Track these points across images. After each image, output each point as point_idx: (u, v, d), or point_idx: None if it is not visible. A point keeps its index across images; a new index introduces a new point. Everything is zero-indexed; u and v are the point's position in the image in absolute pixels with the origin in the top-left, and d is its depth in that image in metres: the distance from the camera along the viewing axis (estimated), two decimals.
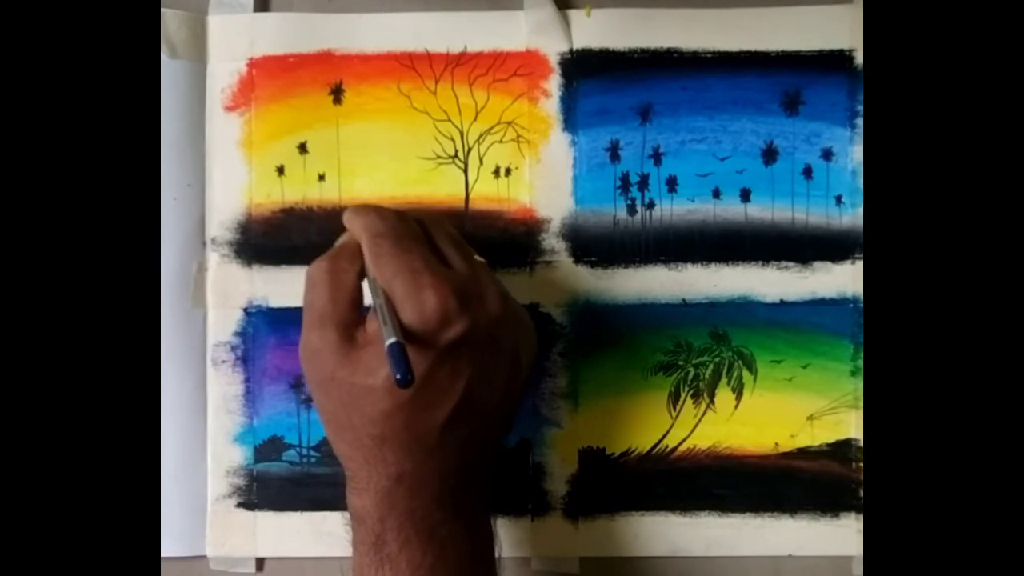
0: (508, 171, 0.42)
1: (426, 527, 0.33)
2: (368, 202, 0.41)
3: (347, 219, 0.36)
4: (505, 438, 0.38)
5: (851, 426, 0.41)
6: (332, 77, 0.42)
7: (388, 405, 0.32)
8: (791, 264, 0.41)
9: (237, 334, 0.42)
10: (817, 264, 0.41)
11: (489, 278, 0.35)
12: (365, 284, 0.35)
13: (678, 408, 0.42)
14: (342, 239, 0.37)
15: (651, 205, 0.42)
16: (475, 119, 0.42)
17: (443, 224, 0.37)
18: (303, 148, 0.42)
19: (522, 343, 0.36)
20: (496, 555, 0.36)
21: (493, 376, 0.34)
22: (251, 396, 0.42)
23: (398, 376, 0.30)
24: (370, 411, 0.33)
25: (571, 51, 0.42)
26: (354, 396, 0.33)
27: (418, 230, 0.35)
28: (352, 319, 0.34)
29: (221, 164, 0.42)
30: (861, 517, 0.41)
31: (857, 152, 0.41)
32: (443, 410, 0.33)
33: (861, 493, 0.41)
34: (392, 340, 0.31)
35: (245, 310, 0.42)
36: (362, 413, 0.33)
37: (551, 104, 0.42)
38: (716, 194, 0.41)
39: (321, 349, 0.33)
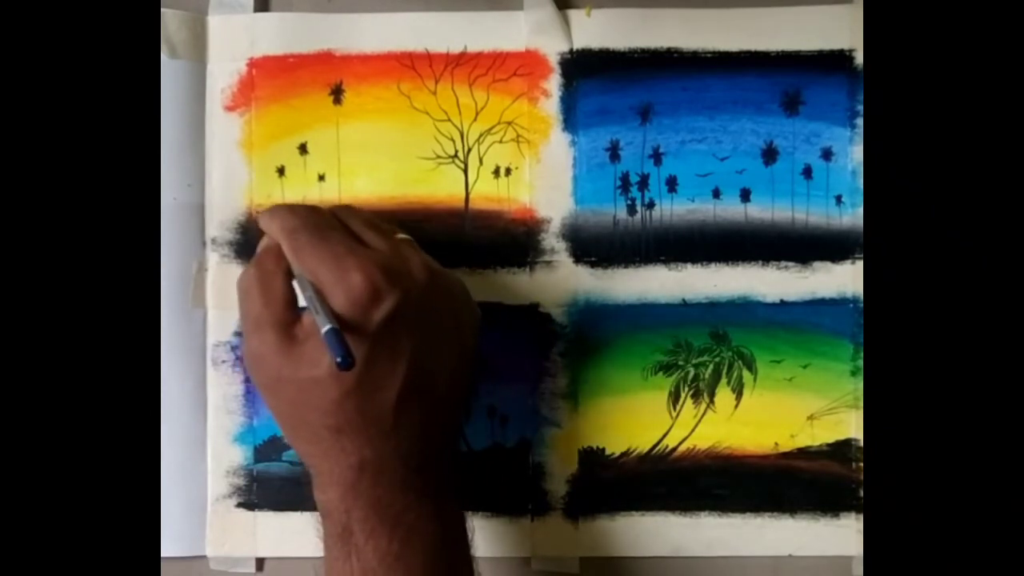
0: (508, 171, 0.42)
1: (391, 514, 0.33)
2: (356, 201, 0.41)
3: (262, 223, 0.36)
4: (464, 421, 0.38)
5: (851, 426, 0.41)
6: (332, 77, 0.42)
7: (337, 393, 0.32)
8: (791, 264, 0.41)
9: (237, 334, 0.42)
10: (817, 264, 0.41)
11: (412, 251, 0.35)
12: (296, 283, 0.35)
13: (678, 408, 0.42)
14: (263, 243, 0.36)
15: (651, 205, 0.42)
16: (475, 119, 0.42)
17: (355, 210, 0.38)
18: (303, 148, 0.42)
19: (461, 309, 0.36)
20: (469, 538, 0.36)
21: (436, 346, 0.34)
22: (251, 396, 0.42)
23: (339, 360, 0.30)
24: (321, 403, 0.33)
25: (571, 51, 0.42)
26: (303, 391, 0.33)
27: (332, 219, 0.36)
28: (288, 318, 0.34)
29: (221, 164, 0.42)
30: (861, 517, 0.41)
31: (857, 152, 0.41)
32: (392, 390, 0.33)
33: (861, 493, 0.41)
34: (327, 327, 0.31)
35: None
36: (314, 406, 0.33)
37: (551, 104, 0.42)
38: (716, 194, 0.41)
39: (263, 352, 0.33)
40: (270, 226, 0.36)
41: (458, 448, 0.37)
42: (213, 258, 0.42)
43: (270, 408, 0.35)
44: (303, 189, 0.42)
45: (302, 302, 0.34)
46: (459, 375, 0.36)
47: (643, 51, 0.41)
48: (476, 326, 0.37)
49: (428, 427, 0.34)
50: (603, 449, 0.42)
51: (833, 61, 0.41)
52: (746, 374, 0.42)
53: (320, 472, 0.34)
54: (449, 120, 0.42)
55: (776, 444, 0.41)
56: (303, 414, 0.33)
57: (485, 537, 0.41)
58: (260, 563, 0.42)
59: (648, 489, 0.41)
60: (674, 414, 0.42)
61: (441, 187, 0.42)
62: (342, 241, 0.34)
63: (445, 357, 0.35)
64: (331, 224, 0.35)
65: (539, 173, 0.42)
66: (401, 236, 0.37)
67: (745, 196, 0.41)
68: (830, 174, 0.41)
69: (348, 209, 0.38)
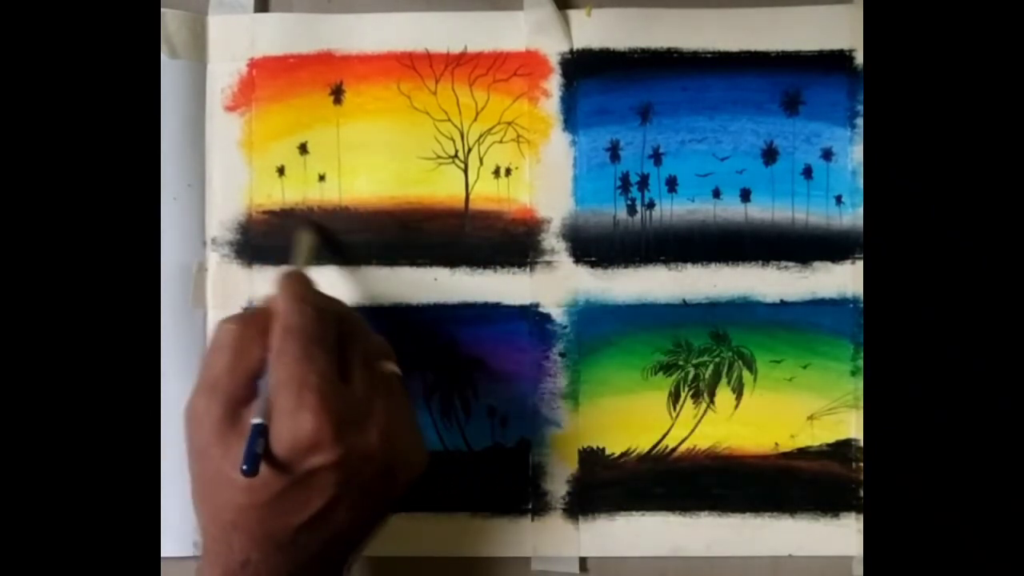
0: (508, 171, 0.42)
1: None
2: (356, 202, 0.41)
3: (275, 286, 0.35)
4: (360, 552, 0.36)
5: (851, 426, 0.41)
6: (332, 77, 0.42)
7: (244, 501, 0.31)
8: (791, 264, 0.41)
9: (247, 309, 0.42)
10: (817, 264, 0.41)
11: (385, 403, 0.34)
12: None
13: (678, 408, 0.42)
14: (263, 303, 0.35)
15: (651, 205, 0.42)
16: (475, 119, 0.42)
17: (361, 331, 0.36)
18: (303, 148, 0.42)
19: (400, 469, 0.34)
20: None
21: (357, 501, 0.33)
22: None
23: (244, 467, 0.30)
24: (227, 499, 0.32)
25: (571, 51, 0.42)
26: (217, 478, 0.32)
27: (330, 336, 0.34)
28: (242, 396, 0.33)
29: (221, 164, 0.42)
30: (861, 517, 0.41)
31: (857, 152, 0.41)
32: (298, 519, 0.32)
33: (861, 493, 0.41)
34: (256, 420, 0.31)
35: (245, 310, 0.42)
36: (220, 496, 0.32)
37: (551, 104, 0.42)
38: (716, 194, 0.41)
39: (203, 418, 0.33)
40: (276, 299, 0.34)
41: (348, 568, 0.36)
42: (213, 258, 0.42)
43: (188, 462, 0.34)
44: (303, 189, 0.42)
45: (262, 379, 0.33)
46: (372, 523, 0.35)
47: (643, 51, 0.41)
48: (413, 478, 0.35)
49: (324, 553, 0.33)
50: (603, 449, 0.42)
51: (833, 61, 0.41)
52: (746, 374, 0.42)
53: (208, 550, 0.33)
54: (449, 120, 0.42)
55: (776, 444, 0.41)
56: (211, 495, 0.32)
57: (485, 537, 0.41)
58: None
59: (648, 489, 0.41)
60: (674, 414, 0.42)
61: (441, 187, 0.42)
62: (320, 371, 0.32)
63: (361, 509, 0.33)
64: (323, 342, 0.33)
65: (539, 173, 0.42)
66: (392, 369, 0.35)
67: (745, 196, 0.41)
68: (830, 174, 0.41)
69: (358, 327, 0.36)
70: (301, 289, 0.35)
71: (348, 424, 0.32)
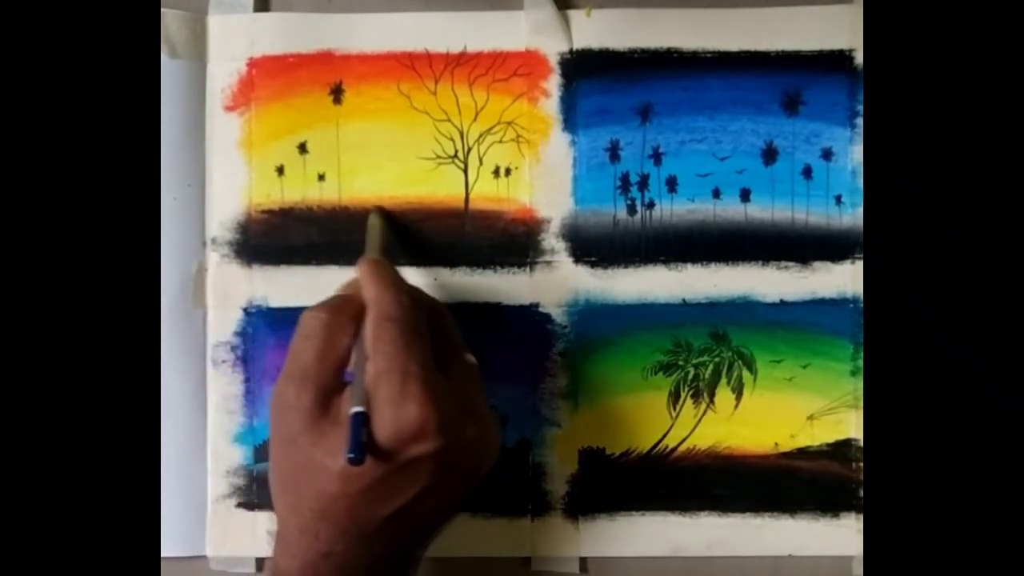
0: (508, 171, 0.42)
1: None
2: (355, 201, 0.41)
3: (362, 274, 0.35)
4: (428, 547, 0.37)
5: (851, 426, 0.41)
6: (332, 77, 0.42)
7: (337, 490, 0.31)
8: (791, 264, 0.41)
9: (237, 334, 0.42)
10: (817, 264, 0.41)
11: (475, 392, 0.34)
12: (354, 355, 0.34)
13: (678, 408, 0.42)
14: (346, 289, 0.36)
15: (651, 205, 0.42)
16: (475, 119, 0.42)
17: (447, 320, 0.36)
18: (303, 148, 0.42)
19: (485, 460, 0.35)
20: None
21: (446, 488, 0.33)
22: (251, 396, 0.42)
23: (351, 455, 0.30)
24: (318, 488, 0.32)
25: (571, 51, 0.42)
26: (308, 467, 0.32)
27: (424, 323, 0.34)
28: (333, 385, 0.33)
29: (221, 164, 0.42)
30: (861, 517, 0.41)
31: (857, 152, 0.41)
32: (389, 507, 0.32)
33: (861, 493, 0.41)
34: (356, 409, 0.31)
35: (245, 310, 0.42)
36: (310, 485, 0.32)
37: (551, 104, 0.42)
38: (716, 194, 0.41)
39: (294, 407, 0.32)
40: (367, 287, 0.34)
41: (424, 553, 0.36)
42: (213, 258, 0.42)
43: (271, 454, 0.34)
44: (303, 189, 0.42)
45: (350, 367, 0.33)
46: (449, 515, 0.35)
47: (643, 51, 0.41)
48: (491, 466, 0.36)
49: (406, 544, 0.34)
50: (603, 449, 0.42)
51: (833, 61, 0.41)
52: (746, 374, 0.42)
53: (288, 541, 0.33)
54: (449, 120, 0.42)
55: (776, 444, 0.41)
56: (297, 484, 0.32)
57: (485, 537, 0.41)
58: (260, 563, 0.42)
59: (648, 489, 0.41)
60: (674, 414, 0.42)
61: (441, 187, 0.42)
62: (420, 359, 0.32)
63: (449, 497, 0.34)
64: (421, 330, 0.33)
65: (539, 173, 0.42)
66: (470, 360, 0.36)
67: (745, 196, 0.41)
68: (830, 174, 0.41)
69: (445, 316, 0.36)
70: (390, 276, 0.35)
71: (448, 416, 0.32)
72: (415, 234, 0.41)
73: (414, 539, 0.34)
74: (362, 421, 0.31)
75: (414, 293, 0.35)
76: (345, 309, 0.34)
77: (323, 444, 0.32)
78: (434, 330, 0.34)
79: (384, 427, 0.31)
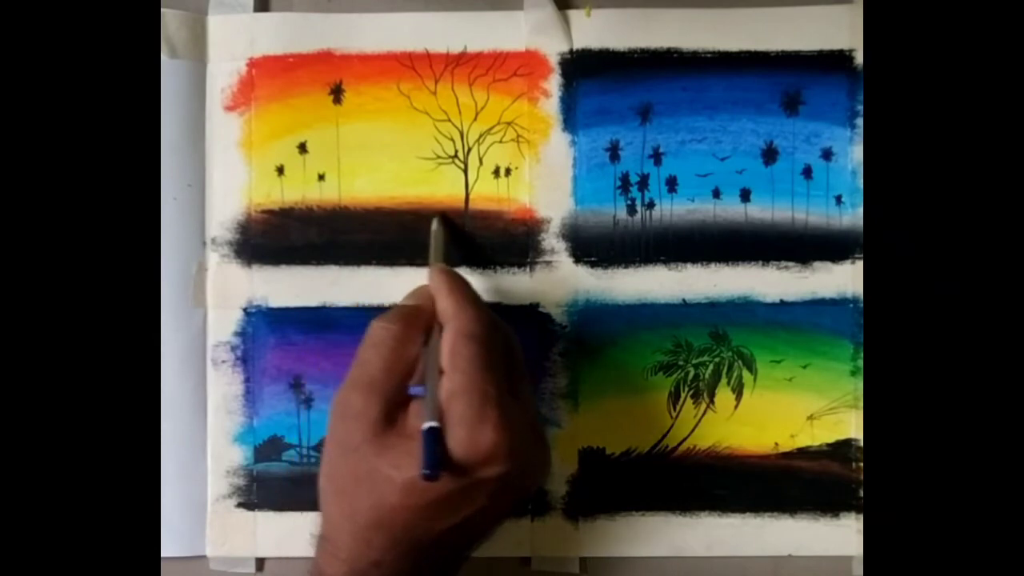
0: (508, 171, 0.42)
1: None
2: (355, 202, 0.41)
3: (435, 284, 0.35)
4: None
5: (851, 426, 0.41)
6: (332, 77, 0.42)
7: (398, 502, 0.31)
8: (791, 264, 0.41)
9: (237, 334, 0.42)
10: (817, 264, 0.41)
11: (539, 421, 0.35)
12: (425, 366, 0.33)
13: (678, 408, 0.42)
14: (416, 299, 0.35)
15: (651, 205, 0.42)
16: (475, 119, 0.42)
17: (516, 342, 0.36)
18: (303, 148, 0.42)
19: (541, 480, 0.36)
20: None
21: (501, 508, 0.34)
22: (251, 396, 0.42)
23: (426, 471, 0.30)
24: (378, 498, 0.32)
25: (571, 51, 0.41)
26: (370, 476, 0.32)
27: (501, 343, 0.34)
28: (400, 396, 0.33)
29: (221, 164, 0.42)
30: (861, 517, 0.41)
31: (857, 152, 0.41)
32: (445, 523, 0.32)
33: (861, 493, 0.41)
34: (430, 424, 0.30)
35: (245, 310, 0.42)
36: (370, 495, 0.32)
37: (551, 104, 0.42)
38: (716, 194, 0.41)
39: (360, 415, 0.32)
40: (441, 300, 0.34)
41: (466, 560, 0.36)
42: (213, 258, 0.42)
43: (328, 458, 0.34)
44: (303, 189, 0.42)
45: (414, 382, 0.33)
46: (491, 531, 0.35)
47: (643, 51, 0.41)
48: (539, 485, 0.37)
49: (453, 555, 0.34)
50: (603, 449, 0.42)
51: (833, 61, 0.41)
52: (746, 374, 0.42)
53: (337, 546, 0.33)
54: (449, 120, 0.42)
55: (776, 444, 0.41)
56: (356, 491, 0.32)
57: None
58: (260, 563, 0.42)
59: (648, 489, 0.41)
60: (674, 414, 0.42)
61: (441, 187, 0.42)
62: (497, 382, 0.32)
63: (501, 511, 0.34)
64: (499, 352, 0.33)
65: (539, 173, 0.42)
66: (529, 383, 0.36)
67: (745, 196, 0.41)
68: (830, 174, 0.41)
69: (511, 335, 0.36)
70: (469, 291, 0.35)
71: (519, 443, 0.32)
72: (415, 234, 0.41)
73: (462, 550, 0.34)
74: (438, 437, 0.30)
75: (488, 309, 0.35)
76: (415, 321, 0.34)
77: (388, 455, 0.31)
78: (506, 352, 0.34)
79: (458, 446, 0.31)
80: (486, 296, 0.41)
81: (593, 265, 0.41)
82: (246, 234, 0.42)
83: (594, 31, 0.41)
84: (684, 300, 0.41)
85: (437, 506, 0.31)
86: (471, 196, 0.42)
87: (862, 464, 0.41)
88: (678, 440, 0.41)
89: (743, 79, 0.41)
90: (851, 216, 0.41)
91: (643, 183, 0.42)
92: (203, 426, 0.42)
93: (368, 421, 0.32)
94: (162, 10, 0.41)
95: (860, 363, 0.41)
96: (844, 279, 0.41)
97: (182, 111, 0.41)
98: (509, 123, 0.42)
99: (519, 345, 0.36)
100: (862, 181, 0.41)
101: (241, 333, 0.42)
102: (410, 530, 0.32)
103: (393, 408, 0.32)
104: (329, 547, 0.33)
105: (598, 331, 0.41)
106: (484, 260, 0.41)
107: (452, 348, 0.32)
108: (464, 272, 0.41)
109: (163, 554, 0.41)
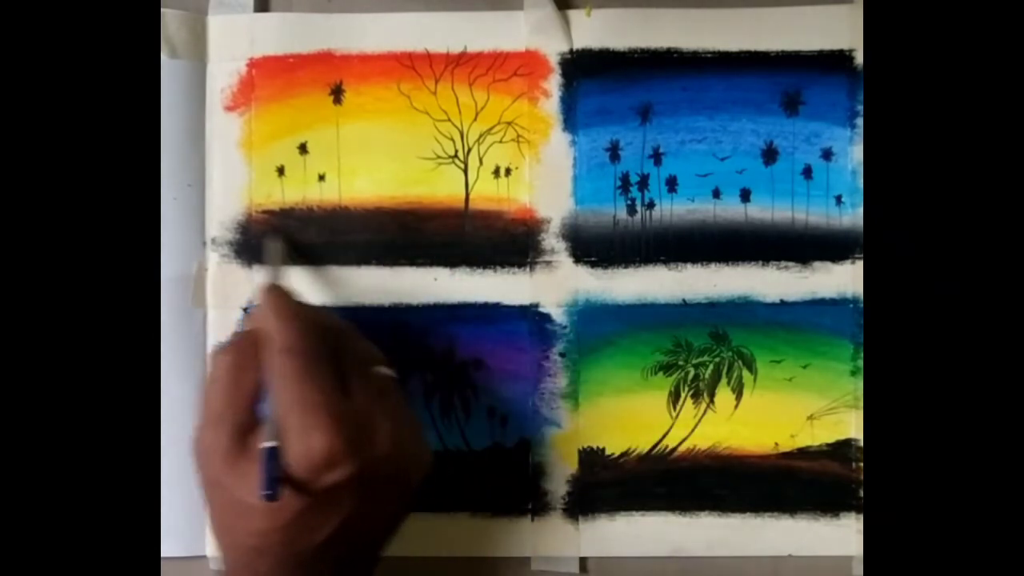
0: (508, 171, 0.42)
1: None
2: (355, 202, 0.41)
3: (264, 302, 0.35)
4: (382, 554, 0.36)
5: (851, 426, 0.41)
6: (332, 77, 0.42)
7: (265, 525, 0.32)
8: (791, 264, 0.41)
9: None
10: (817, 264, 0.41)
11: (386, 408, 0.34)
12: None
13: (678, 408, 0.42)
14: (251, 322, 0.36)
15: (651, 205, 0.42)
16: (475, 119, 0.42)
17: (353, 338, 0.36)
18: (303, 148, 0.42)
19: (411, 468, 0.35)
20: None
21: (374, 509, 0.33)
22: None
23: (264, 492, 0.30)
24: (247, 526, 0.32)
25: (571, 51, 0.42)
26: (236, 507, 0.32)
27: (326, 349, 0.34)
28: (247, 422, 0.33)
29: (221, 164, 0.42)
30: (861, 517, 0.41)
31: (857, 152, 0.41)
32: (321, 534, 0.32)
33: (861, 493, 0.41)
34: (266, 444, 0.31)
35: (245, 310, 0.42)
36: (240, 524, 0.32)
37: (551, 104, 0.42)
38: (716, 194, 0.41)
39: (211, 450, 0.33)
40: (268, 319, 0.34)
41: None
42: (213, 258, 0.42)
43: (203, 497, 0.34)
44: (303, 189, 0.42)
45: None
46: (391, 527, 0.35)
47: (643, 51, 0.41)
48: (422, 476, 0.35)
49: (349, 564, 0.34)
50: (603, 449, 0.42)
51: (833, 61, 0.41)
52: (746, 374, 0.42)
53: None
54: (449, 120, 0.42)
55: (776, 444, 0.41)
56: (231, 523, 0.33)
57: (485, 537, 0.41)
58: None
59: (648, 489, 0.41)
60: (674, 414, 0.42)
61: (441, 187, 0.42)
62: (323, 387, 0.32)
63: (381, 516, 0.34)
64: (322, 357, 0.33)
65: (539, 173, 0.42)
66: (385, 372, 0.36)
67: (745, 196, 0.41)
68: (830, 174, 0.41)
69: (348, 335, 0.36)
70: (288, 305, 0.35)
71: (357, 436, 0.32)
72: (415, 234, 0.41)
73: (359, 557, 0.34)
74: (273, 456, 0.31)
75: (314, 316, 0.35)
76: (247, 346, 0.34)
77: (244, 484, 0.32)
78: (337, 351, 0.34)
79: (296, 459, 0.31)
80: (486, 296, 0.41)
81: (593, 265, 0.41)
82: (246, 234, 0.42)
83: (594, 31, 0.41)
84: (684, 300, 0.41)
85: (301, 521, 0.32)
86: (471, 196, 0.42)
87: (862, 464, 0.41)
88: (678, 440, 0.42)
89: (743, 79, 0.41)
90: (851, 216, 0.41)
91: (643, 183, 0.42)
92: None
93: (220, 454, 0.32)
94: (162, 10, 0.41)
95: (860, 363, 0.41)
96: (844, 279, 0.41)
97: (182, 111, 0.41)
98: (509, 123, 0.42)
99: (357, 338, 0.36)
100: (862, 181, 0.41)
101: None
102: (289, 548, 0.32)
103: (243, 436, 0.32)
104: None
105: (598, 331, 0.41)
106: (484, 260, 0.41)
107: (276, 366, 0.33)
108: (464, 272, 0.41)
109: (163, 554, 0.41)
